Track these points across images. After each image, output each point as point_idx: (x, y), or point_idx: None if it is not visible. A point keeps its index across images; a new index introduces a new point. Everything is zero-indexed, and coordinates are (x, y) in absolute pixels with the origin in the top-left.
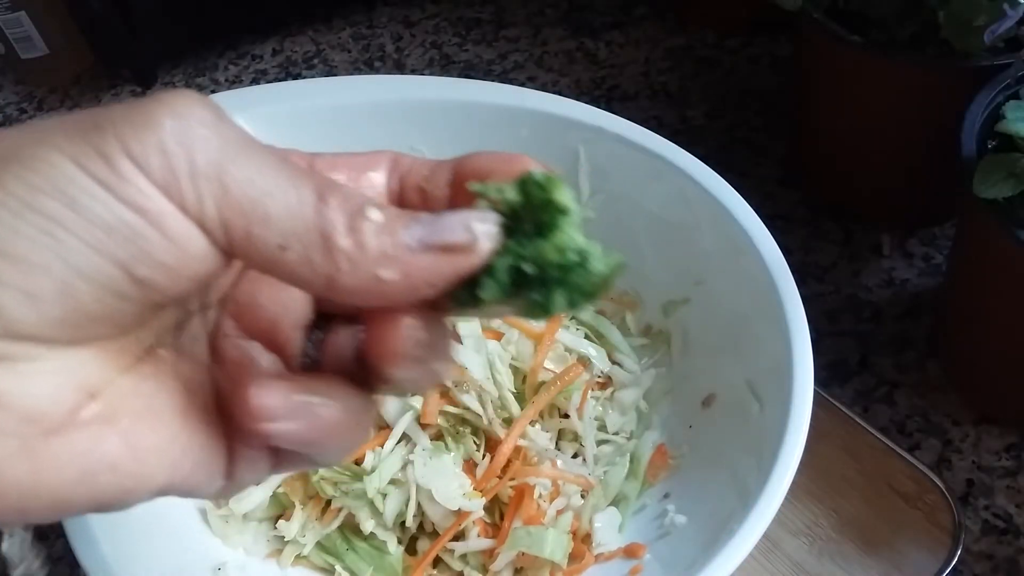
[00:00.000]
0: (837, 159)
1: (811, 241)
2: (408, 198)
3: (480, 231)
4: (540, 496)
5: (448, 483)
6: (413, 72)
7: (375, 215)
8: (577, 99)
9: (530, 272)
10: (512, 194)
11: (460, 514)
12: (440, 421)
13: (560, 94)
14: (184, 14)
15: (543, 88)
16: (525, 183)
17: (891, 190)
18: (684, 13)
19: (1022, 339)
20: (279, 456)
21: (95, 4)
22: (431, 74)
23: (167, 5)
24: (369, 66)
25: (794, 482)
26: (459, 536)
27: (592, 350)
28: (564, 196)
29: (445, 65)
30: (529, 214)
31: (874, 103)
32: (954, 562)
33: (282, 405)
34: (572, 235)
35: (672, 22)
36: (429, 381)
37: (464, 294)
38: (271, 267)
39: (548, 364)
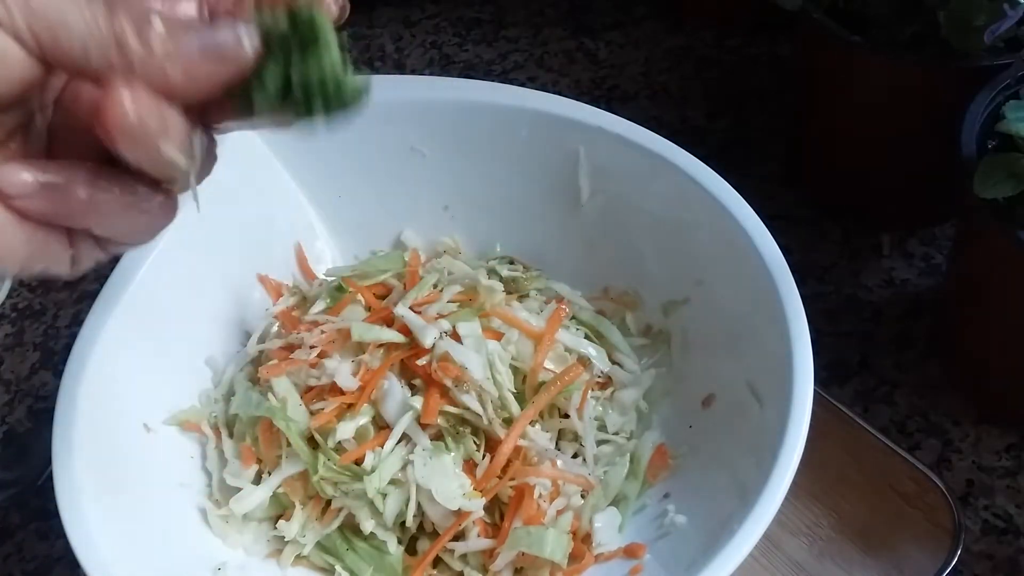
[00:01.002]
0: (837, 159)
1: (811, 241)
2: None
3: (245, 38)
4: (540, 496)
5: (448, 483)
6: (413, 72)
7: (158, 24)
8: (577, 99)
9: (295, 82)
10: (283, 23)
11: (460, 514)
12: (440, 421)
13: (560, 94)
14: None
15: (543, 88)
16: (294, 16)
17: (891, 190)
18: (684, 13)
19: (1022, 339)
20: (96, 239)
21: None
22: (431, 74)
23: None
24: (369, 66)
25: (794, 482)
26: (459, 536)
27: (592, 350)
28: (325, 28)
29: (445, 65)
30: (296, 40)
31: (874, 103)
32: (954, 562)
33: (28, 183)
34: (330, 57)
35: (672, 22)
36: (160, 167)
37: (242, 101)
38: (80, 70)
39: (548, 364)
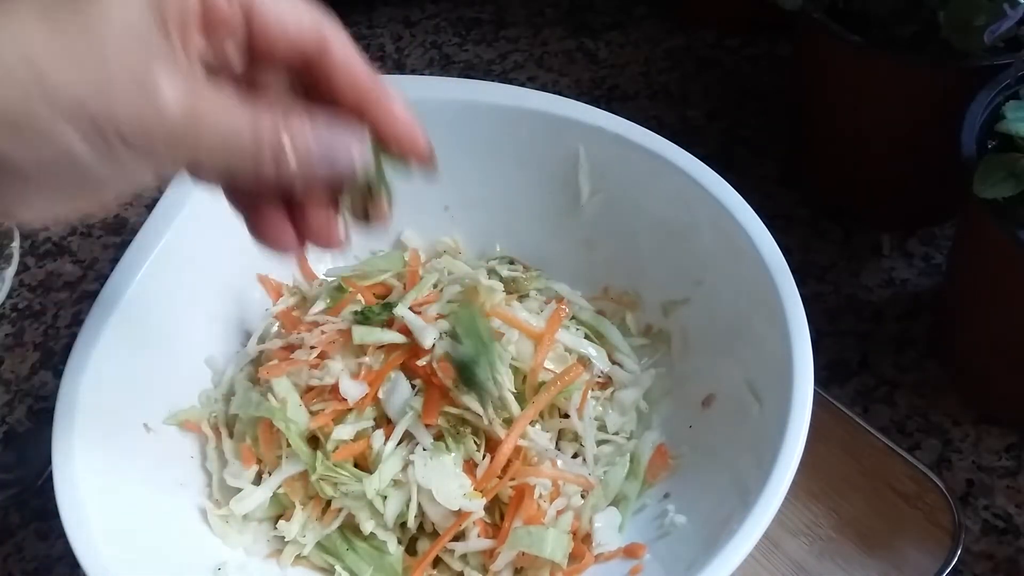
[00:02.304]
0: (837, 159)
1: (811, 241)
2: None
3: (359, 165)
4: (540, 496)
5: (448, 483)
6: (413, 72)
7: (312, 143)
8: (577, 99)
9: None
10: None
11: (460, 514)
12: (440, 421)
13: (560, 94)
14: None
15: (543, 88)
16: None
17: (891, 190)
18: (684, 13)
19: (1022, 339)
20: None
21: None
22: (431, 74)
23: None
24: None
25: (794, 482)
26: (459, 536)
27: (592, 350)
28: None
29: (445, 65)
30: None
31: (874, 103)
32: (954, 562)
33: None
34: (388, 199)
35: (672, 22)
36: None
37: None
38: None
39: (548, 364)
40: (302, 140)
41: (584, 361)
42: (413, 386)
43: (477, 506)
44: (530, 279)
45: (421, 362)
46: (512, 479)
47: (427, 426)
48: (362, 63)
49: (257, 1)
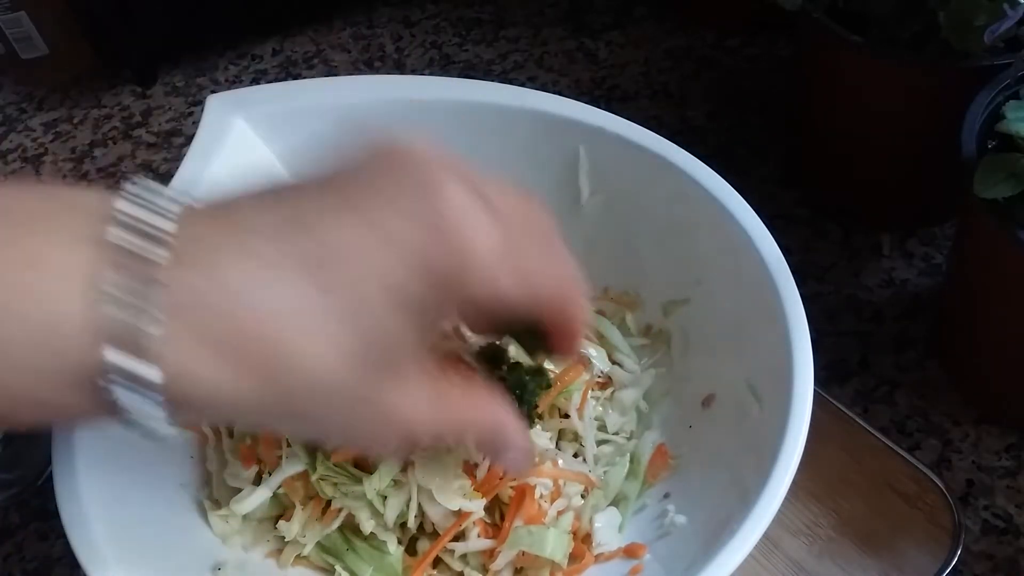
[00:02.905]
0: (837, 159)
1: (811, 241)
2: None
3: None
4: (541, 496)
5: (449, 483)
6: (413, 72)
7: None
8: (577, 99)
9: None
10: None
11: (461, 514)
12: None
13: (560, 94)
14: (184, 14)
15: (543, 88)
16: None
17: (891, 190)
18: (684, 13)
19: (1022, 339)
20: None
21: (95, 4)
22: (431, 74)
23: (167, 5)
24: (369, 66)
25: (794, 482)
26: (459, 536)
27: (592, 350)
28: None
29: (445, 65)
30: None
31: (874, 103)
32: (954, 562)
33: None
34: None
35: (672, 22)
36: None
37: None
38: None
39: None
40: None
41: (584, 361)
42: None
43: (477, 506)
44: None
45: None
46: (513, 479)
47: None
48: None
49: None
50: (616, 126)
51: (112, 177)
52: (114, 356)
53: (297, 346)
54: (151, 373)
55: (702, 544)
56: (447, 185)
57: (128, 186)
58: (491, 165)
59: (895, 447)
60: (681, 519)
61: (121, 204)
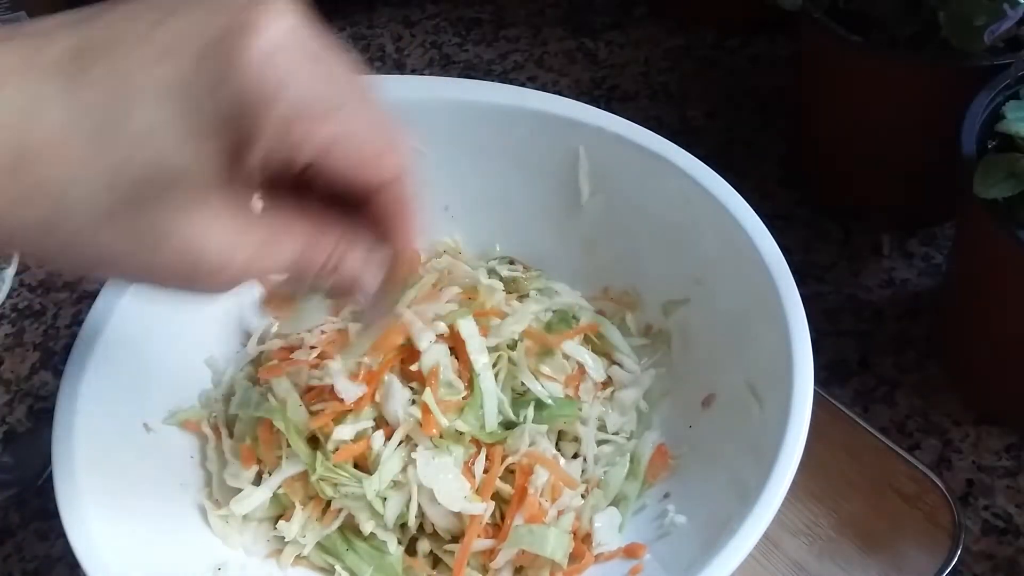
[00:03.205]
0: (837, 159)
1: (811, 241)
2: None
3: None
4: (541, 494)
5: (450, 484)
6: (413, 72)
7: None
8: (577, 99)
9: None
10: None
11: (467, 517)
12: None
13: (560, 94)
14: None
15: (543, 88)
16: None
17: (891, 190)
18: (684, 13)
19: (1022, 339)
20: None
21: (94, 3)
22: (431, 74)
23: None
24: (369, 66)
25: (794, 482)
26: (458, 536)
27: (589, 359)
28: None
29: (445, 65)
30: None
31: (874, 103)
32: (954, 562)
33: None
34: None
35: (672, 22)
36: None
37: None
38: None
39: (546, 370)
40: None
41: (584, 367)
42: (411, 389)
43: (479, 508)
44: (530, 279)
45: (415, 367)
46: (511, 471)
47: None
48: (410, 211)
49: (334, 153)
50: (616, 126)
51: None
52: None
53: (52, 171)
54: None
55: (702, 544)
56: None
57: None
58: (491, 165)
59: (895, 447)
60: (681, 519)
61: None
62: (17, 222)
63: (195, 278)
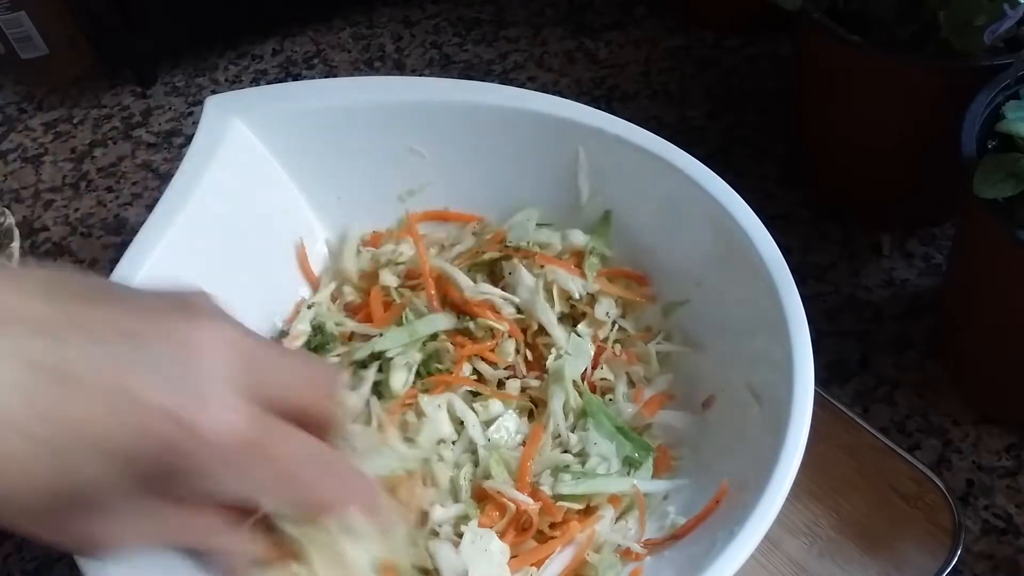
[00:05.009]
0: (837, 159)
1: (811, 241)
2: None
3: None
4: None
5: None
6: (413, 72)
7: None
8: (577, 99)
9: None
10: None
11: None
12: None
13: (560, 94)
14: (184, 14)
15: (543, 88)
16: None
17: (891, 190)
18: (684, 13)
19: (1022, 339)
20: None
21: (95, 4)
22: (431, 74)
23: (167, 5)
24: (369, 66)
25: (794, 482)
26: None
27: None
28: None
29: (445, 65)
30: None
31: (874, 103)
32: (954, 562)
33: None
34: None
35: (672, 22)
36: None
37: None
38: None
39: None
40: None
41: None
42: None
43: None
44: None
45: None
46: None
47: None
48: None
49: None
50: (616, 127)
51: (112, 177)
52: None
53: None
54: None
55: (703, 546)
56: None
57: None
58: (491, 166)
59: (895, 447)
60: (681, 520)
61: None
62: None
63: (90, 554)
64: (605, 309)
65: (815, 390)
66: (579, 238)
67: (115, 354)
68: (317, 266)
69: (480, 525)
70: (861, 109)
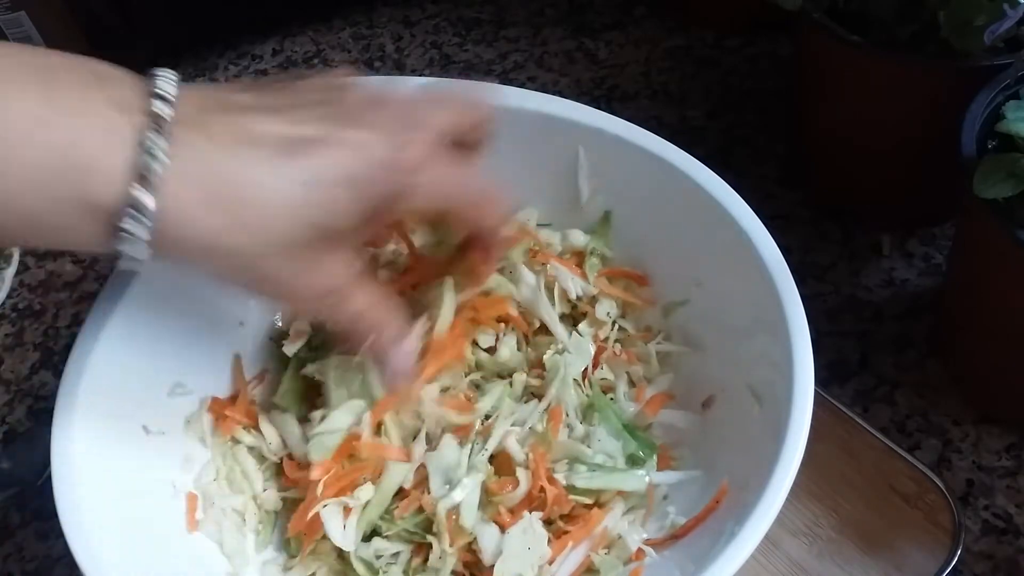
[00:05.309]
0: (837, 159)
1: (811, 241)
2: None
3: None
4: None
5: None
6: (413, 72)
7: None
8: (577, 99)
9: None
10: None
11: None
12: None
13: (560, 94)
14: (184, 13)
15: (543, 88)
16: None
17: (891, 190)
18: (684, 13)
19: (1022, 339)
20: None
21: (95, 4)
22: (431, 74)
23: (167, 5)
24: (369, 66)
25: (794, 482)
26: None
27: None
28: None
29: (445, 65)
30: None
31: (874, 103)
32: (954, 562)
33: None
34: None
35: (672, 22)
36: None
37: None
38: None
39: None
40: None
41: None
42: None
43: None
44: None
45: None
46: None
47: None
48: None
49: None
50: (616, 127)
51: None
52: (139, 193)
53: (271, 209)
54: (151, 203)
55: (703, 546)
56: (417, 121)
57: (156, 71)
58: (491, 166)
59: (895, 447)
60: (681, 520)
61: (160, 83)
62: (221, 247)
63: (316, 300)
64: (606, 309)
65: (815, 390)
66: (579, 238)
67: (350, 123)
68: None
69: (489, 492)
70: (861, 109)
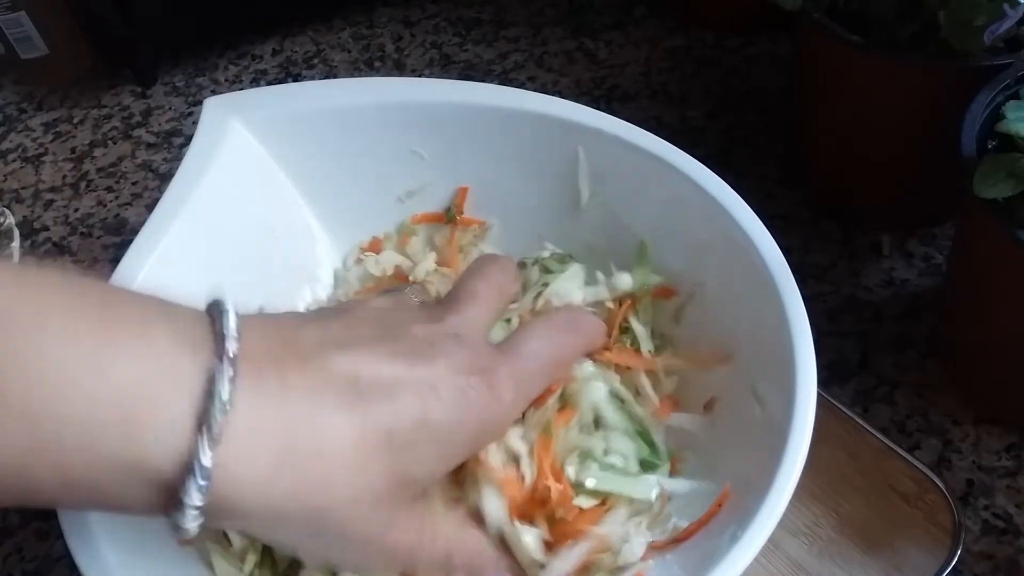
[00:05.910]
0: (837, 159)
1: (811, 241)
2: None
3: None
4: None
5: None
6: (413, 72)
7: None
8: (577, 99)
9: None
10: None
11: None
12: None
13: (560, 94)
14: (184, 14)
15: (543, 88)
16: None
17: (891, 190)
18: (684, 13)
19: (1022, 339)
20: None
21: (95, 4)
22: (431, 74)
23: (167, 5)
24: (369, 66)
25: None
26: None
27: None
28: None
29: (445, 65)
30: None
31: (874, 103)
32: (954, 562)
33: None
34: None
35: (672, 22)
36: None
37: None
38: None
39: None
40: None
41: None
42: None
43: None
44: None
45: None
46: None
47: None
48: None
49: None
50: (615, 128)
51: (112, 177)
52: (207, 460)
53: (339, 477)
54: (209, 460)
55: (705, 549)
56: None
57: (218, 301)
58: (490, 167)
59: (895, 447)
60: (683, 523)
61: (230, 320)
62: (295, 508)
63: (380, 566)
64: (647, 347)
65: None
66: (625, 281)
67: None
68: (316, 269)
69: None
70: (861, 109)
